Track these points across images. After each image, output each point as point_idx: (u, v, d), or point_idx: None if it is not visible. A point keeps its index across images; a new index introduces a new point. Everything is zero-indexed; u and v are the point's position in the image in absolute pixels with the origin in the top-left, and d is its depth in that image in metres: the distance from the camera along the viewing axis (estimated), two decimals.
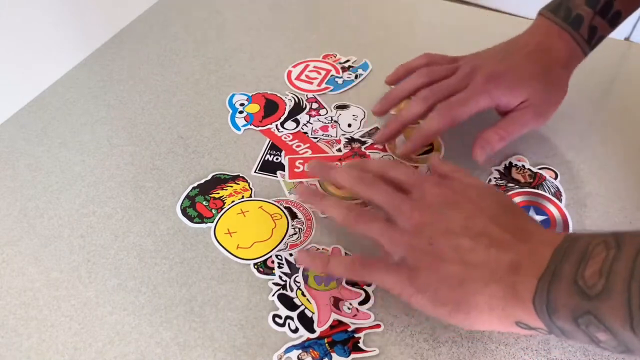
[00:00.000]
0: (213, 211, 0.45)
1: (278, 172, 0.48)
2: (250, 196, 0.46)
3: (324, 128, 0.52)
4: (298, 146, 0.50)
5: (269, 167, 0.48)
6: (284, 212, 0.44)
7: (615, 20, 0.47)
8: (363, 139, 0.50)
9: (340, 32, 0.65)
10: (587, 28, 0.46)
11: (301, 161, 0.48)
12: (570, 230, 0.42)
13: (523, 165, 0.48)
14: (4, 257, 0.42)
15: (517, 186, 0.46)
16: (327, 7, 0.70)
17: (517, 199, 0.45)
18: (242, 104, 0.55)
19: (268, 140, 0.51)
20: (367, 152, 0.49)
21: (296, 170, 0.48)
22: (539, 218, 0.43)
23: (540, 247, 0.32)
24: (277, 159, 0.49)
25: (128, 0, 0.68)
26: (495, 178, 0.47)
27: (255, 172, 0.48)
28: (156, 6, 0.70)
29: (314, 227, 0.43)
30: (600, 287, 0.28)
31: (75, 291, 0.40)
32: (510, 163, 0.48)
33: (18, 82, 0.56)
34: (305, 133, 0.51)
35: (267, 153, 0.50)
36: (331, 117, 0.53)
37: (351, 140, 0.50)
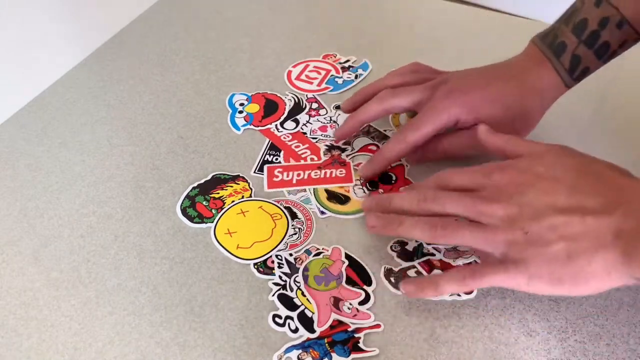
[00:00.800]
0: (213, 211, 0.45)
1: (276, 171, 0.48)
2: (251, 196, 0.46)
3: (323, 128, 0.52)
4: (297, 146, 0.50)
5: None
6: (284, 212, 0.44)
7: (603, 52, 0.44)
8: (343, 146, 0.50)
9: (340, 32, 0.65)
10: (570, 56, 0.44)
11: (280, 170, 0.48)
12: None
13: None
14: (4, 257, 0.42)
15: None
16: (327, 7, 0.70)
17: None
18: (242, 104, 0.55)
19: (268, 140, 0.51)
20: (347, 159, 0.48)
21: (275, 179, 0.47)
22: None
23: (637, 202, 0.33)
24: (276, 159, 0.49)
25: (128, 0, 0.68)
26: None
27: (254, 172, 0.48)
28: (156, 6, 0.70)
29: (314, 227, 0.43)
30: None
31: (75, 291, 0.40)
32: None
33: (18, 82, 0.56)
34: (305, 133, 0.51)
35: (266, 153, 0.50)
36: (330, 117, 0.53)
37: (331, 148, 0.50)
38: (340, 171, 0.47)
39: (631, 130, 0.51)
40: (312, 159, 0.49)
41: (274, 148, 0.50)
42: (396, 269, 0.40)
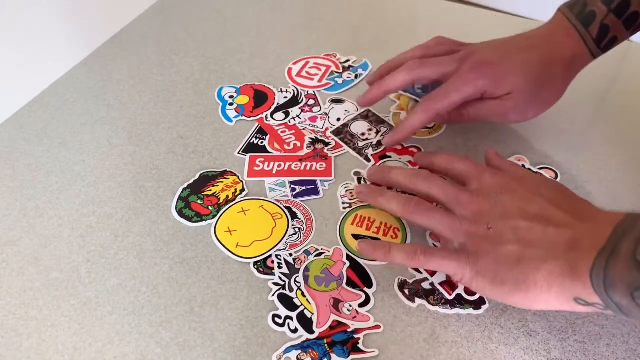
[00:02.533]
0: (210, 208, 0.45)
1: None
2: (243, 188, 0.46)
3: (313, 119, 0.53)
4: (283, 132, 0.51)
5: (253, 150, 0.50)
6: (284, 212, 0.44)
7: (632, 22, 0.44)
8: (327, 141, 0.50)
9: (340, 32, 0.65)
10: (598, 26, 0.44)
11: (262, 159, 0.49)
12: None
13: (523, 165, 0.48)
14: (4, 257, 0.42)
15: None
16: (327, 7, 0.70)
17: None
18: (231, 96, 0.56)
19: (257, 124, 0.52)
20: (329, 153, 0.49)
21: (256, 168, 0.48)
22: None
23: (600, 225, 0.32)
24: (261, 142, 0.50)
25: (128, 0, 0.68)
26: None
27: (238, 153, 0.49)
28: (156, 6, 0.70)
29: (314, 227, 0.43)
30: None
31: (75, 291, 0.40)
32: None
33: (18, 82, 0.56)
34: (294, 125, 0.52)
35: (253, 136, 0.51)
36: (325, 112, 0.53)
37: (315, 141, 0.50)
38: (321, 165, 0.48)
39: (631, 129, 0.51)
40: (295, 145, 0.49)
41: (261, 132, 0.51)
42: (410, 281, 0.40)
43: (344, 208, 0.44)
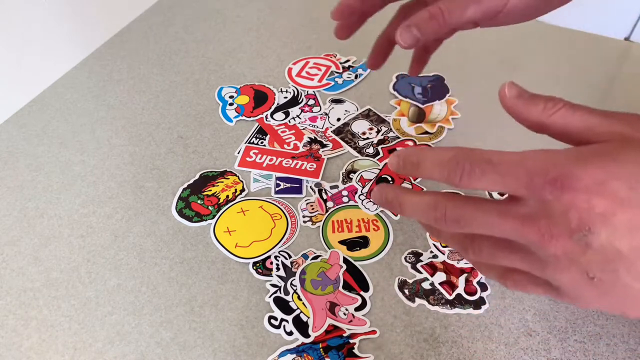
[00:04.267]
0: (210, 208, 0.45)
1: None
2: (243, 189, 0.46)
3: (313, 119, 0.53)
4: (283, 132, 0.51)
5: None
6: (284, 213, 0.44)
7: None
8: (325, 142, 0.50)
9: None
10: None
11: (256, 151, 0.49)
12: None
13: None
14: (4, 257, 0.42)
15: None
16: (327, 7, 0.70)
17: None
18: (231, 96, 0.56)
19: (257, 125, 0.52)
20: (325, 155, 0.49)
21: (248, 159, 0.48)
22: None
23: None
24: (261, 142, 0.50)
25: (128, 0, 0.68)
26: None
27: (237, 153, 0.49)
28: (156, 6, 0.70)
29: (298, 225, 0.43)
30: None
31: (75, 291, 0.40)
32: None
33: (18, 82, 0.56)
34: (294, 125, 0.52)
35: (253, 136, 0.51)
36: (325, 112, 0.53)
37: (313, 141, 0.50)
38: (311, 165, 0.48)
39: None
40: (295, 145, 0.50)
41: (261, 132, 0.51)
42: (410, 281, 0.40)
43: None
